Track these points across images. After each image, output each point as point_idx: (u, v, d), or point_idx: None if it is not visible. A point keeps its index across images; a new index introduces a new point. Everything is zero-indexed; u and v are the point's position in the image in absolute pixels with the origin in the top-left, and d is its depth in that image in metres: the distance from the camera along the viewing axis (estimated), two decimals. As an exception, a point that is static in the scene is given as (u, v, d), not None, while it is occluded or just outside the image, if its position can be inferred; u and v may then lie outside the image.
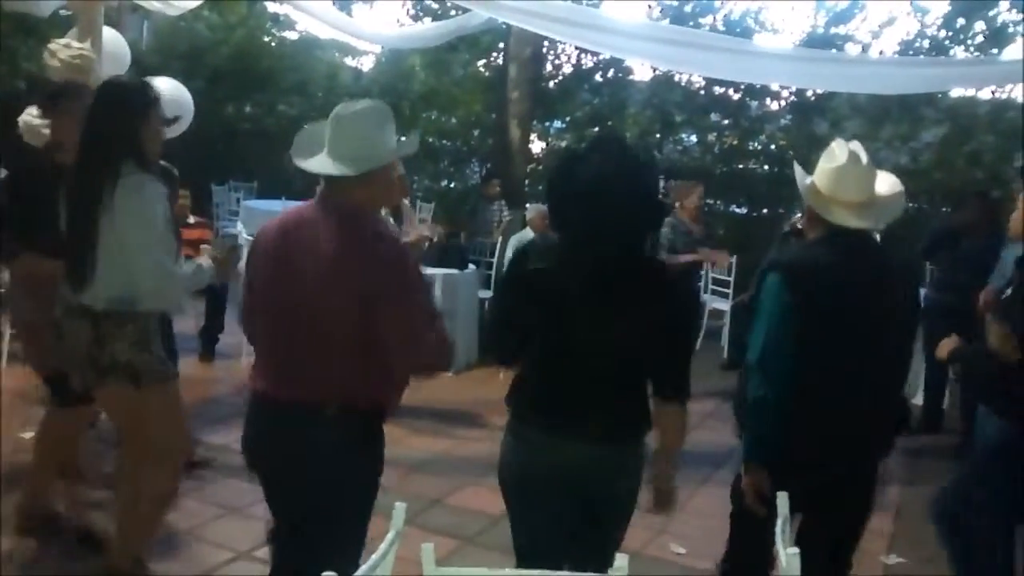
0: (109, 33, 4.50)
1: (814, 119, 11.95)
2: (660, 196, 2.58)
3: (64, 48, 4.16)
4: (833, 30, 11.83)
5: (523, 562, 2.42)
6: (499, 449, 2.49)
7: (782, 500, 2.12)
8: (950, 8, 11.21)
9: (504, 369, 2.53)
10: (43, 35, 6.55)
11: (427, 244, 6.40)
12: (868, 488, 2.93)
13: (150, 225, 2.87)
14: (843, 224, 2.69)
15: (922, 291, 5.77)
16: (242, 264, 2.86)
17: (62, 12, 5.65)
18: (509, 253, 8.47)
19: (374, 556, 1.66)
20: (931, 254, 7.05)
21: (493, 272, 8.67)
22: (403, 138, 2.64)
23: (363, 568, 1.60)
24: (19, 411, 4.99)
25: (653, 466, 2.54)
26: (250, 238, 7.31)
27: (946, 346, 3.38)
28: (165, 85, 4.22)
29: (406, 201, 6.43)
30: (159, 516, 3.40)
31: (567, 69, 13.60)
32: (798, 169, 2.91)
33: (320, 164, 2.39)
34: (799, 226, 6.08)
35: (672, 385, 2.42)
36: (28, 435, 4.64)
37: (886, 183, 2.80)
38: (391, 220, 6.00)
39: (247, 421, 2.55)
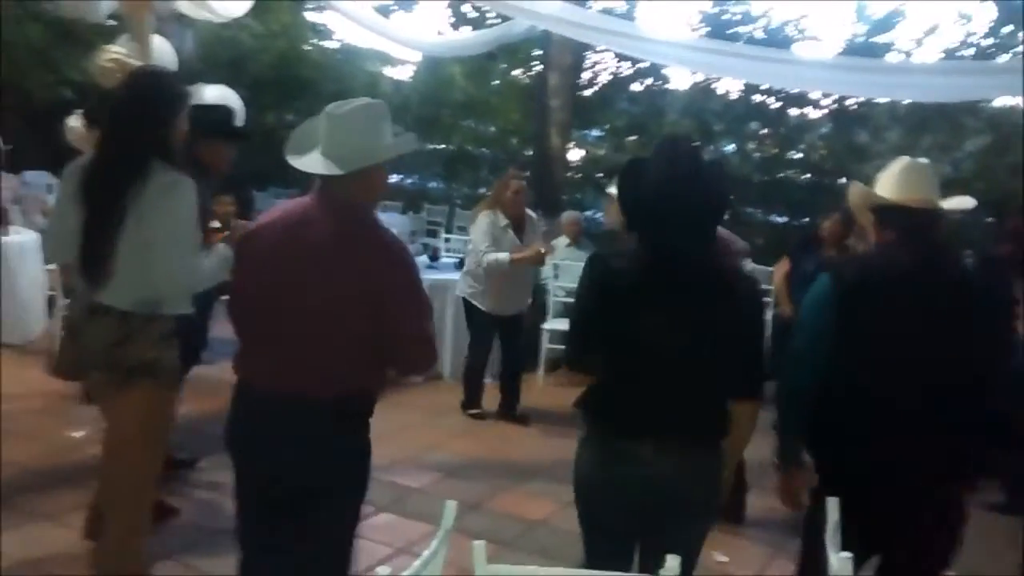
0: (157, 40, 4.52)
1: (854, 128, 11.86)
2: (726, 194, 2.52)
3: (102, 53, 4.09)
4: (875, 39, 11.75)
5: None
6: (555, 456, 2.44)
7: (832, 505, 2.10)
8: (997, 15, 11.07)
9: (577, 377, 2.46)
10: (89, 43, 6.58)
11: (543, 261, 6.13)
12: (941, 518, 2.56)
13: (181, 227, 2.73)
14: (912, 203, 2.57)
15: None
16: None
17: (109, 22, 5.71)
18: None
19: (425, 553, 1.67)
20: None
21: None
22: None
23: (415, 565, 1.61)
24: (64, 411, 5.10)
25: None
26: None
27: None
28: (217, 92, 4.19)
29: (531, 213, 6.16)
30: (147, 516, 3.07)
31: (604, 78, 13.62)
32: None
33: (311, 163, 2.40)
34: (823, 234, 6.11)
35: (748, 384, 2.38)
36: (78, 434, 4.73)
37: (954, 201, 2.73)
38: (510, 232, 5.81)
39: (235, 412, 2.48)
